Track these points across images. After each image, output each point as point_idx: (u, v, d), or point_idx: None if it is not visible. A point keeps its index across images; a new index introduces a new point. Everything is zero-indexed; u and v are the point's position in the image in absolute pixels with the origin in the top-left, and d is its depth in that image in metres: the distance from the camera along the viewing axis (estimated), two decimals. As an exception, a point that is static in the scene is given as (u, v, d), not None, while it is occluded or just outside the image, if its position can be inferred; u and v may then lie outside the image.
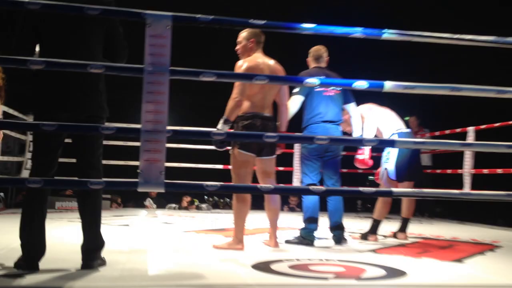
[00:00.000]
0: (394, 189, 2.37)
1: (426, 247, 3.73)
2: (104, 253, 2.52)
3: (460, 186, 5.85)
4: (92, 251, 2.45)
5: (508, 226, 5.73)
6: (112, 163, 6.22)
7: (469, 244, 3.98)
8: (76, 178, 2.31)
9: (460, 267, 2.89)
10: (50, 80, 2.36)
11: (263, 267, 2.64)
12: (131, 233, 4.18)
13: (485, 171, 5.69)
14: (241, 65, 3.31)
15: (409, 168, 3.91)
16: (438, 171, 6.88)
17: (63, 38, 2.38)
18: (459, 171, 5.94)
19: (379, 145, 2.61)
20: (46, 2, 2.09)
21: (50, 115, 2.32)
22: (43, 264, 2.35)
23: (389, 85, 2.18)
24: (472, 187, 5.67)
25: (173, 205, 7.36)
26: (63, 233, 3.78)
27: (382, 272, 2.59)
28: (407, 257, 3.15)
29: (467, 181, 5.79)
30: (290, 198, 7.63)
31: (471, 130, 5.85)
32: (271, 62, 3.43)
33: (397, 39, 2.23)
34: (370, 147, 3.85)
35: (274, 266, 2.66)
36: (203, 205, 7.41)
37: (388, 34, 2.18)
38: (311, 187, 2.13)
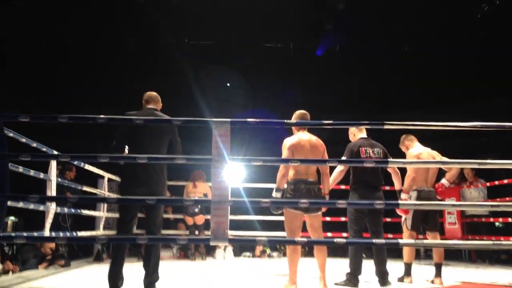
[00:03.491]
0: (400, 240, 3.12)
1: (457, 289, 4.32)
2: None
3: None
4: (151, 283, 3.67)
5: None
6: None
7: (501, 287, 4.48)
8: (168, 236, 3.32)
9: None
10: (133, 169, 3.67)
11: (308, 301, 3.43)
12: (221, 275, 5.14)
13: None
14: (286, 143, 4.21)
15: (424, 221, 4.60)
16: (491, 219, 7.27)
17: (143, 143, 3.71)
18: (510, 219, 6.35)
19: (386, 207, 3.26)
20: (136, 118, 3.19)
21: (131, 191, 3.65)
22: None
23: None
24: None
25: (248, 253, 8.24)
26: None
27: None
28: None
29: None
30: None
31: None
32: (313, 138, 4.29)
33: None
34: (407, 197, 4.59)
35: (316, 301, 3.45)
36: (274, 253, 8.24)
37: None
38: (335, 239, 2.90)
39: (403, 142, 4.98)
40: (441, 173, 4.89)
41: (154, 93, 4.10)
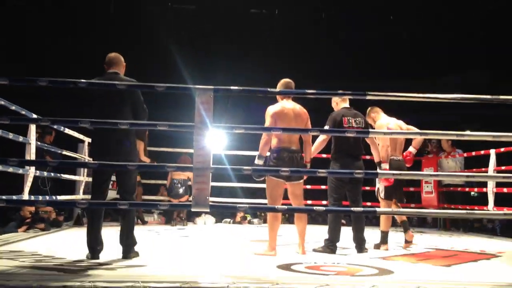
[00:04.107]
0: (377, 209, 3.19)
1: (430, 255, 4.44)
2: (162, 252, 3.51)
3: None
4: (128, 247, 3.67)
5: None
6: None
7: (472, 254, 4.63)
8: (149, 201, 3.33)
9: (444, 270, 3.60)
10: (99, 138, 3.68)
11: (285, 267, 3.49)
12: (193, 241, 5.20)
13: (505, 190, 6.26)
14: (269, 111, 4.21)
15: (395, 190, 4.70)
16: (467, 189, 7.47)
17: (104, 110, 3.57)
18: (484, 189, 6.52)
19: (366, 177, 3.33)
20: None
21: (100, 159, 3.57)
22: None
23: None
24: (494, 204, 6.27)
25: (228, 219, 8.34)
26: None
27: (375, 272, 3.39)
28: (406, 263, 3.91)
29: (490, 199, 6.36)
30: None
31: (492, 152, 6.44)
32: (297, 107, 4.29)
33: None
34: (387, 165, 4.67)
35: (293, 267, 3.51)
36: (255, 220, 8.35)
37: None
38: (315, 207, 2.96)
39: (369, 115, 5.01)
40: (407, 142, 5.01)
41: (114, 55, 3.83)
